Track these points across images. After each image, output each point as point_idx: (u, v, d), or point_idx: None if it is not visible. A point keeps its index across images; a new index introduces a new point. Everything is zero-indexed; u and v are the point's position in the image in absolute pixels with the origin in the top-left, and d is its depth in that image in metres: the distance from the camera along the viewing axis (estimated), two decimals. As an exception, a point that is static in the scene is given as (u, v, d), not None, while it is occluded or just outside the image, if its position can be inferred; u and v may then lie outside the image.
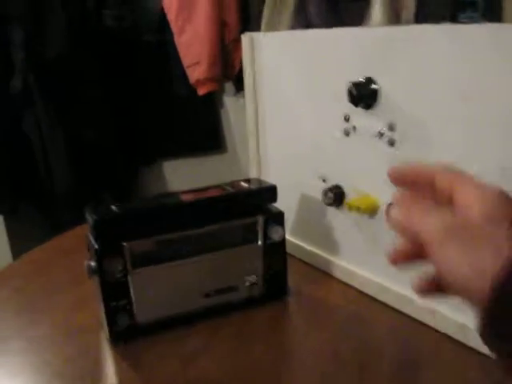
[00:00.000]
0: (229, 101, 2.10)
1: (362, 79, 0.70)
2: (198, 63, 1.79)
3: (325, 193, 0.79)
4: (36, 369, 0.66)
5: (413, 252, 0.42)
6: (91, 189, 1.91)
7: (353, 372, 0.62)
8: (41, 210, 1.95)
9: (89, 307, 0.76)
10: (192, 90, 1.85)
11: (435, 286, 0.42)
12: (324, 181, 0.81)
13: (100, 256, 0.65)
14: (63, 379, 0.64)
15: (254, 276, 0.74)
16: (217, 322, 0.72)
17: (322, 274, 0.84)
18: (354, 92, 0.70)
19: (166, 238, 0.68)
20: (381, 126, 0.70)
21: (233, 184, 0.75)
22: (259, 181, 0.79)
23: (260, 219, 0.72)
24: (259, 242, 0.73)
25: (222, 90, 2.08)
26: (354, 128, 0.74)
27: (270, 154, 0.92)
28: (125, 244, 0.66)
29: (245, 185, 0.75)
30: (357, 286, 0.79)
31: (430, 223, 0.37)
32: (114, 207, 0.68)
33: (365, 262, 0.78)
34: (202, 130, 2.08)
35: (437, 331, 0.68)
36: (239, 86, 1.97)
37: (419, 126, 0.65)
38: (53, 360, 0.67)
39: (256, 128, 0.93)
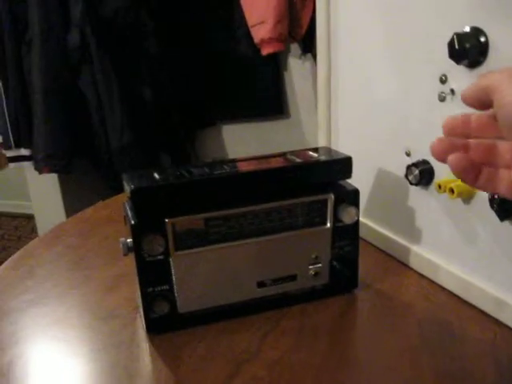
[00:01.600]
0: (294, 63, 1.97)
1: (467, 29, 0.56)
2: (263, 22, 1.68)
3: (409, 169, 0.65)
4: (62, 356, 0.57)
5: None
6: (148, 149, 1.83)
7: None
8: (96, 168, 1.88)
9: (127, 285, 0.67)
10: (256, 50, 1.73)
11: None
12: (408, 155, 0.67)
13: (137, 233, 0.54)
14: (91, 367, 0.54)
15: (318, 264, 0.62)
16: (272, 316, 0.61)
17: (398, 264, 0.71)
18: (457, 45, 0.56)
19: (217, 216, 0.56)
20: (488, 90, 0.56)
21: (299, 153, 0.63)
22: (330, 151, 0.66)
23: (330, 197, 0.60)
24: (328, 225, 0.61)
25: (286, 52, 1.95)
26: (453, 91, 0.60)
27: (342, 122, 0.79)
28: (167, 220, 0.55)
29: (313, 155, 0.62)
30: (441, 282, 0.66)
31: (497, 73, 0.37)
32: (156, 175, 0.57)
33: (453, 254, 0.64)
34: (265, 93, 1.96)
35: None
36: (306, 48, 1.86)
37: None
38: (80, 348, 0.58)
39: (327, 91, 0.80)
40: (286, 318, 0.61)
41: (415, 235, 0.69)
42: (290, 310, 0.62)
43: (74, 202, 2.00)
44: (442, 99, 0.61)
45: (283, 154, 0.63)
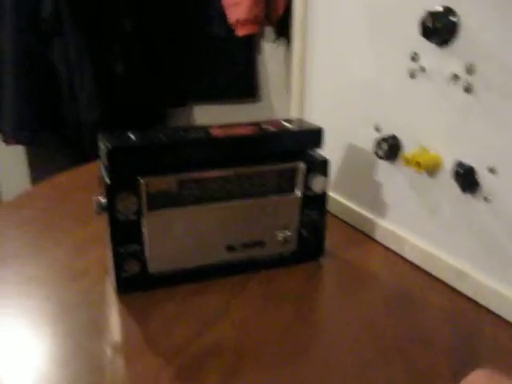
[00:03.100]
0: (267, 47, 1.98)
1: (439, 8, 0.58)
2: (238, 3, 1.68)
3: (378, 143, 0.67)
4: (30, 312, 0.57)
5: None
6: (118, 125, 1.82)
7: (390, 352, 0.52)
8: (64, 143, 1.86)
9: (97, 248, 0.67)
10: (230, 31, 1.74)
11: None
12: (378, 130, 0.69)
13: (112, 192, 0.55)
14: (60, 326, 0.55)
15: (286, 231, 0.63)
16: (241, 280, 0.63)
17: (365, 237, 0.74)
18: (429, 23, 0.58)
19: (189, 178, 0.58)
20: (457, 68, 0.58)
21: (272, 123, 0.64)
22: (302, 122, 0.68)
23: (301, 166, 0.61)
24: (297, 193, 0.62)
25: (261, 35, 1.96)
26: (423, 69, 0.62)
27: (315, 98, 0.80)
28: (141, 180, 0.55)
29: (286, 124, 0.64)
30: (405, 254, 0.68)
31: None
32: (132, 136, 0.58)
33: (417, 227, 0.67)
34: (237, 74, 1.97)
35: (499, 317, 0.57)
36: (280, 31, 1.86)
37: (507, 72, 0.53)
38: (50, 305, 0.58)
39: (301, 67, 0.81)
40: (254, 283, 0.63)
41: (381, 209, 0.72)
42: (257, 275, 0.64)
43: (40, 176, 1.97)
44: (413, 76, 0.63)
45: (257, 123, 0.64)
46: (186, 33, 1.91)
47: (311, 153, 0.64)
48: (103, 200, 0.56)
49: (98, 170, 0.59)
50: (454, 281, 0.62)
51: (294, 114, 0.83)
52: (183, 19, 1.89)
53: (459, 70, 0.58)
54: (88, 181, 0.87)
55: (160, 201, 0.57)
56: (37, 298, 0.59)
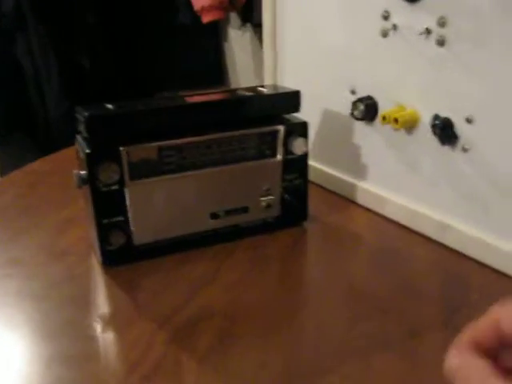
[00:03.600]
0: (233, 34, 1.98)
1: (409, -37, 0.58)
2: (203, -10, 1.68)
3: (354, 104, 0.68)
4: (17, 292, 0.56)
5: None
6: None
7: (381, 305, 0.52)
8: (33, 140, 1.83)
9: (78, 227, 0.67)
10: (195, 19, 1.72)
11: None
12: (353, 93, 0.70)
13: (92, 162, 0.54)
14: (47, 301, 0.54)
15: (269, 197, 0.64)
16: (227, 248, 0.62)
17: (346, 201, 0.74)
18: (399, -21, 0.58)
19: (170, 145, 0.57)
20: (429, 22, 0.58)
21: (249, 89, 0.64)
22: (278, 87, 0.68)
23: (281, 129, 0.61)
24: (278, 157, 0.62)
25: (226, 22, 1.95)
26: (395, 27, 0.62)
27: (289, 66, 0.80)
28: (122, 149, 0.55)
29: (263, 89, 0.64)
30: (387, 214, 0.69)
31: None
32: (109, 106, 0.57)
33: (398, 186, 0.67)
34: (204, 63, 1.96)
35: (485, 265, 0.58)
36: (245, 17, 1.85)
37: (478, 21, 0.54)
38: (36, 283, 0.57)
39: (273, 36, 0.81)
40: (240, 249, 0.62)
41: (361, 171, 0.72)
42: (243, 241, 0.64)
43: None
44: (385, 35, 0.64)
45: (232, 90, 0.64)
46: (152, 23, 1.89)
47: (288, 117, 0.64)
48: (83, 172, 0.55)
49: (75, 150, 0.58)
50: (438, 234, 0.63)
51: (267, 81, 0.82)
52: (148, 9, 1.87)
53: (431, 24, 0.58)
54: (62, 166, 0.86)
55: (142, 170, 0.57)
56: (20, 278, 0.58)
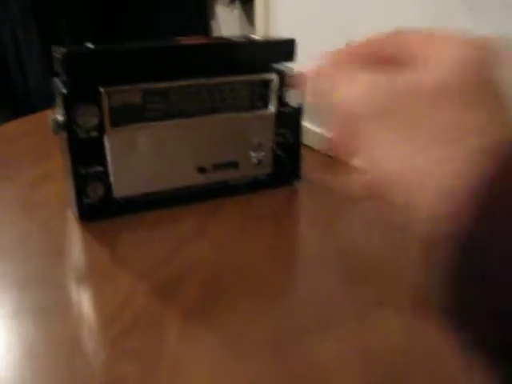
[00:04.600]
0: (222, 11, 1.93)
1: None
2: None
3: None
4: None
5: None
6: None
7: (381, 265, 0.49)
8: (15, 112, 1.77)
9: (53, 183, 0.62)
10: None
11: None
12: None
13: (70, 103, 0.50)
14: (20, 253, 0.50)
15: (261, 152, 0.59)
16: (214, 204, 0.58)
17: (341, 163, 0.70)
18: None
19: (155, 88, 0.53)
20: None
21: (242, 36, 0.60)
22: (271, 37, 0.64)
23: (275, 78, 0.57)
24: (270, 108, 0.58)
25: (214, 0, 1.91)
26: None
27: (282, 16, 0.75)
28: (102, 90, 0.50)
29: (257, 37, 0.60)
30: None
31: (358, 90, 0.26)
32: (89, 45, 0.53)
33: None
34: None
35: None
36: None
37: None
38: (6, 235, 0.53)
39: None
40: (229, 206, 0.58)
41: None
42: (232, 199, 0.60)
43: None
44: (387, -18, 0.60)
45: (226, 37, 0.60)
46: (138, 3, 1.83)
47: (283, 67, 0.60)
48: (60, 117, 0.51)
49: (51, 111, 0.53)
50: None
51: (259, 31, 0.78)
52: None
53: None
54: (36, 127, 0.81)
55: (124, 116, 0.52)
56: (-9, 232, 0.54)
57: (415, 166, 0.23)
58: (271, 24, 0.76)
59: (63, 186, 0.57)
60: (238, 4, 1.86)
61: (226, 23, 1.93)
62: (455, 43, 0.25)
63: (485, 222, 0.20)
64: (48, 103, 0.57)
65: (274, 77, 0.57)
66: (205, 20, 1.94)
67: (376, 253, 0.51)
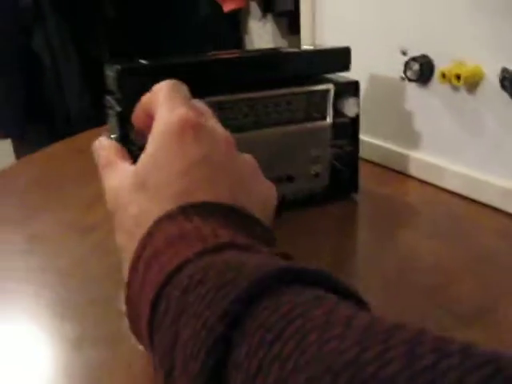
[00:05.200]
0: (254, 26, 1.93)
1: None
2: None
3: (408, 64, 0.61)
4: (42, 269, 0.51)
5: None
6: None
7: (458, 274, 0.46)
8: (52, 134, 1.79)
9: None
10: (217, 13, 1.68)
11: None
12: (404, 54, 0.63)
13: (124, 120, 0.49)
14: (73, 279, 0.49)
15: (317, 165, 0.57)
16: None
17: (397, 174, 0.67)
18: None
19: (209, 102, 0.51)
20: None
21: (293, 48, 0.58)
22: (324, 46, 0.62)
23: (331, 88, 0.55)
24: (328, 119, 0.56)
25: (247, 14, 1.91)
26: (454, -27, 0.56)
27: (329, 24, 0.73)
28: (157, 106, 0.49)
29: (309, 47, 0.58)
30: (445, 184, 0.62)
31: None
32: (142, 61, 0.51)
33: (457, 153, 0.61)
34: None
35: None
36: (266, 7, 1.81)
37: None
38: (61, 260, 0.52)
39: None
40: (282, 220, 0.56)
41: (414, 140, 0.66)
42: (286, 214, 0.57)
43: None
44: (442, -16, 0.58)
45: (275, 48, 0.58)
46: (172, 16, 1.84)
47: (337, 77, 0.58)
48: (113, 136, 0.50)
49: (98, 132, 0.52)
50: (505, 203, 0.56)
51: (304, 40, 0.75)
52: (168, 1, 1.83)
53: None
54: (84, 147, 0.80)
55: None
56: (46, 256, 0.53)
57: None
58: (317, 34, 0.74)
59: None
60: (270, 17, 1.86)
61: (259, 37, 1.93)
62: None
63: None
64: (87, 122, 0.56)
65: (330, 87, 0.55)
66: (238, 34, 1.94)
67: (456, 256, 0.48)
